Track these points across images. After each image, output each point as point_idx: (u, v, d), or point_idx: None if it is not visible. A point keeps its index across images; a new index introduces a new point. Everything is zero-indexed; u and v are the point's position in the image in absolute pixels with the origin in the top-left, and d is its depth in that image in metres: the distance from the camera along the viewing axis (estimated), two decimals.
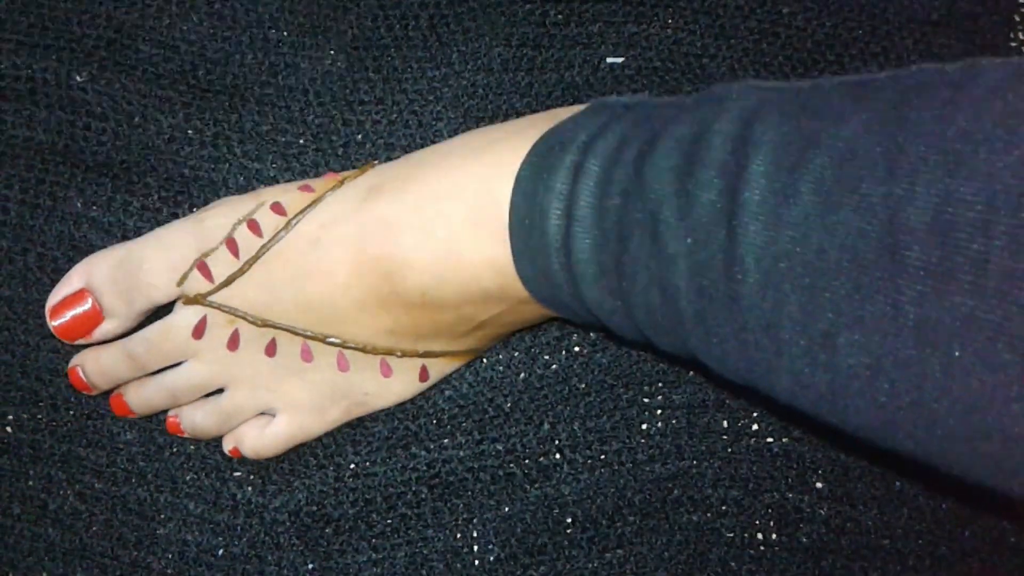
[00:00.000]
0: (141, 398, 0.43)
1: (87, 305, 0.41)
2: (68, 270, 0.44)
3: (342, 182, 0.40)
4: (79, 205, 0.46)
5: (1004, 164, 0.24)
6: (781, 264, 0.27)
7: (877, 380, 0.26)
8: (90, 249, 0.45)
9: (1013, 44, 0.48)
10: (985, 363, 0.24)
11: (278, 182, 0.45)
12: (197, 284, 0.40)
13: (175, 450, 0.45)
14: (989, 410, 0.24)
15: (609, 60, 0.46)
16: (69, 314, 0.42)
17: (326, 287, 0.39)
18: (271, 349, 0.41)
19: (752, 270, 0.28)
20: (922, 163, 0.25)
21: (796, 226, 0.27)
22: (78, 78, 0.47)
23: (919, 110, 0.26)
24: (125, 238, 0.45)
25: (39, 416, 0.45)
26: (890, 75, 0.28)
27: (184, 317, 0.41)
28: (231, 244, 0.40)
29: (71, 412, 0.45)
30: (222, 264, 0.40)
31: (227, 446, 0.44)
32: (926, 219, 0.25)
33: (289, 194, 0.41)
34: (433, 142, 0.46)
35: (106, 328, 0.42)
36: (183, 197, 0.46)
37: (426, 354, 0.41)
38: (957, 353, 0.24)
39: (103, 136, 0.46)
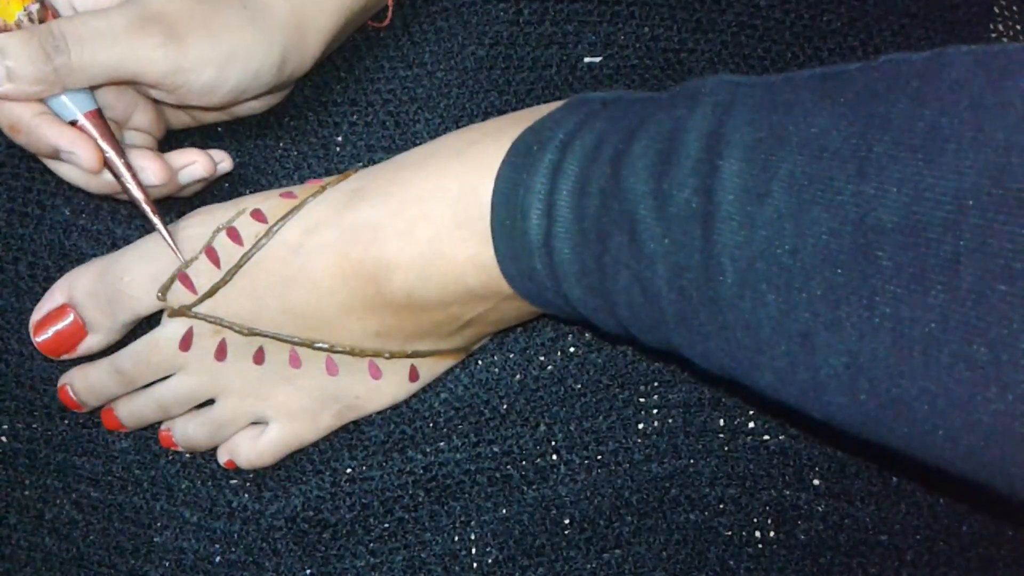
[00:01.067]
0: (132, 412, 0.43)
1: (69, 320, 0.41)
2: (60, 278, 0.44)
3: (323, 188, 0.40)
4: (67, 213, 0.45)
5: (971, 162, 0.23)
6: (757, 265, 0.27)
7: (857, 379, 0.26)
8: (81, 256, 0.45)
9: (993, 35, 0.48)
10: (963, 363, 0.24)
11: (262, 185, 0.45)
12: (180, 296, 0.40)
13: (170, 458, 0.45)
14: (969, 409, 0.24)
15: (587, 60, 0.46)
16: (52, 330, 0.41)
17: (311, 293, 0.39)
18: (259, 357, 0.41)
19: (729, 271, 0.28)
20: (891, 160, 0.25)
21: (770, 226, 0.27)
22: None
23: (887, 104, 0.26)
24: (114, 245, 0.45)
25: (34, 425, 0.45)
26: (859, 67, 0.28)
27: (170, 330, 0.41)
28: (211, 253, 0.40)
29: (66, 421, 0.45)
30: (204, 274, 0.40)
31: (222, 458, 0.43)
32: (896, 219, 0.25)
33: (270, 201, 0.40)
34: (412, 143, 0.45)
35: (90, 342, 0.42)
36: (170, 202, 0.45)
37: (414, 354, 0.41)
38: (934, 353, 0.24)
39: None
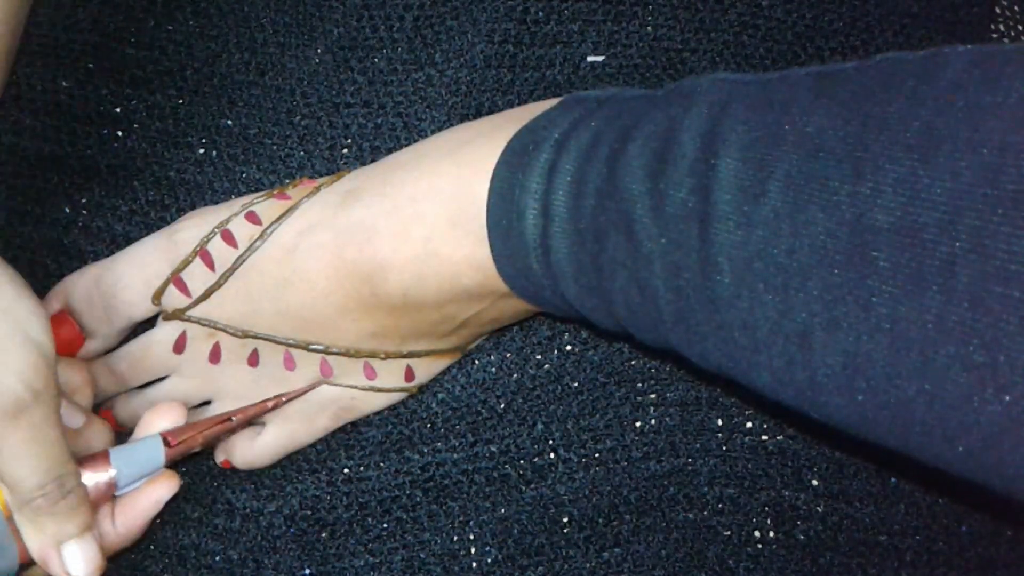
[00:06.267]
0: (130, 414, 0.43)
1: (67, 327, 0.41)
2: (59, 276, 0.44)
3: (318, 188, 0.40)
4: (67, 210, 0.45)
5: (968, 163, 0.23)
6: (754, 264, 0.27)
7: (854, 379, 0.26)
8: (80, 254, 0.45)
9: (994, 36, 0.48)
10: (959, 364, 0.24)
11: (264, 185, 0.45)
12: (175, 299, 0.40)
13: None
14: (966, 410, 0.24)
15: (590, 59, 0.46)
16: None
17: (306, 294, 0.39)
18: (253, 360, 0.41)
19: (727, 271, 0.28)
20: (887, 161, 0.25)
21: (766, 225, 0.27)
22: (64, 83, 0.47)
23: (883, 104, 0.26)
24: (114, 242, 0.45)
25: None
26: (855, 66, 0.28)
27: (164, 333, 0.41)
28: (205, 256, 0.40)
29: None
30: (198, 278, 0.40)
31: (219, 458, 0.43)
32: (892, 219, 0.25)
33: (264, 202, 0.40)
34: None
35: (90, 348, 0.42)
36: (170, 200, 0.45)
37: (410, 355, 0.41)
38: (931, 355, 0.24)
39: (89, 141, 0.46)
